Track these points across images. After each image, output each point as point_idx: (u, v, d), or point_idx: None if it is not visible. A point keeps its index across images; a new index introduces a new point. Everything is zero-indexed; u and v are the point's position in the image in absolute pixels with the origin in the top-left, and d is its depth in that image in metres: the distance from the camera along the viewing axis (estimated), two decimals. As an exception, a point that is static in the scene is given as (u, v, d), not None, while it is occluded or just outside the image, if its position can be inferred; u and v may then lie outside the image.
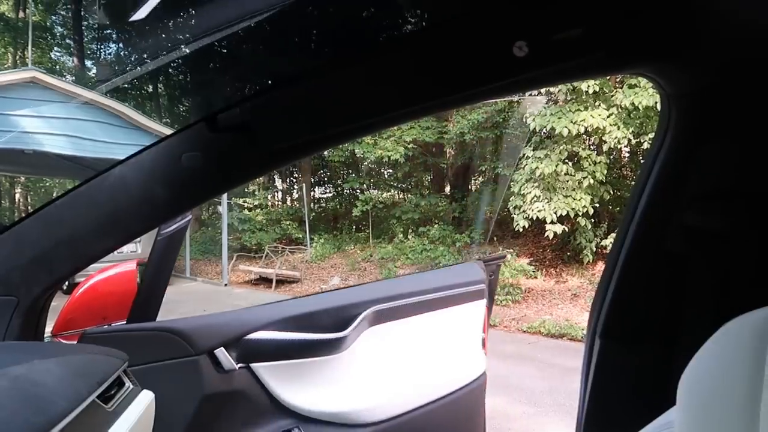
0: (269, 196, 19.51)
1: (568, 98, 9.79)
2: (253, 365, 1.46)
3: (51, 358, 0.90)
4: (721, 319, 0.58)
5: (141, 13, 1.04)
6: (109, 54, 23.21)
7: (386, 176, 16.90)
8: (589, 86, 9.13)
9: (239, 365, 1.43)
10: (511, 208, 10.56)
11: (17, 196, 24.21)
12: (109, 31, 23.36)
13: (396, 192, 16.74)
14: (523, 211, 10.06)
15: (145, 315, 1.48)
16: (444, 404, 1.76)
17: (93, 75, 21.05)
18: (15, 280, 1.08)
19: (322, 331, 1.51)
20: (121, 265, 1.49)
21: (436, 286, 1.74)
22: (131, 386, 1.01)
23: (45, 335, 1.25)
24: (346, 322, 1.56)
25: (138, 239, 1.36)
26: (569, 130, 9.22)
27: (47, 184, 21.72)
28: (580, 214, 9.58)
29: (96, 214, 1.09)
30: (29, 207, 23.02)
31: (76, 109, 10.08)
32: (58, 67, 22.63)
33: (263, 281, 13.04)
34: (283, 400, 1.50)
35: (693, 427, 0.55)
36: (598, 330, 1.08)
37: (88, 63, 22.98)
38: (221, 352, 1.39)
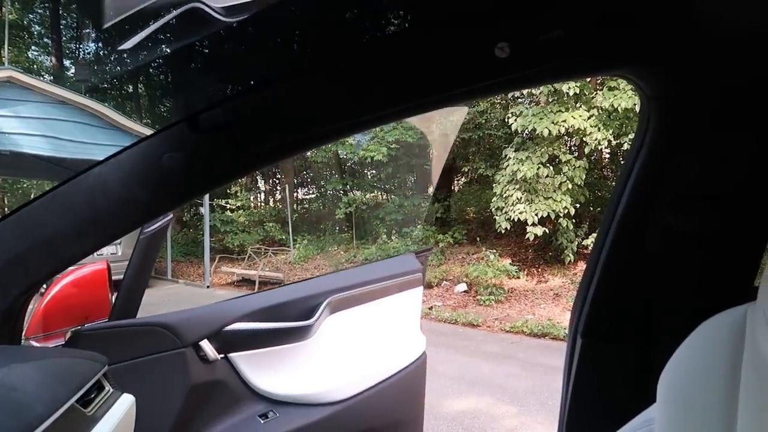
0: (252, 198, 19.40)
1: (550, 100, 9.88)
2: (231, 355, 1.55)
3: (29, 362, 0.89)
4: (700, 317, 0.58)
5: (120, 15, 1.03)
6: (88, 53, 22.95)
7: (369, 177, 16.90)
8: (569, 88, 9.23)
9: (220, 356, 1.52)
10: (493, 209, 10.61)
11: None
12: (87, 30, 23.10)
13: (379, 193, 16.74)
14: (505, 213, 10.13)
15: (126, 313, 1.52)
16: (393, 382, 1.94)
17: (71, 74, 20.76)
18: None
19: (291, 320, 1.64)
20: (89, 265, 1.51)
21: (383, 276, 1.93)
22: (111, 390, 1.00)
23: (64, 330, 1.27)
24: (311, 311, 1.72)
25: (118, 241, 1.36)
26: (550, 131, 9.31)
27: (25, 185, 21.36)
28: (561, 215, 9.67)
29: (74, 216, 1.07)
30: (6, 209, 22.64)
31: (53, 109, 9.92)
32: (35, 66, 22.28)
33: (246, 283, 12.95)
34: (256, 387, 1.61)
35: (673, 423, 0.56)
36: (579, 329, 1.09)
37: (67, 62, 22.67)
38: (206, 344, 1.46)
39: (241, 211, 17.16)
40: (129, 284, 1.51)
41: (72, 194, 1.08)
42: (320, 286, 1.81)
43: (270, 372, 1.65)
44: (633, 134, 1.07)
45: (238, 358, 1.58)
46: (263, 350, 1.62)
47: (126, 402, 1.01)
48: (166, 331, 1.41)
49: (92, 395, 0.93)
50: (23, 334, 1.30)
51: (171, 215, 1.52)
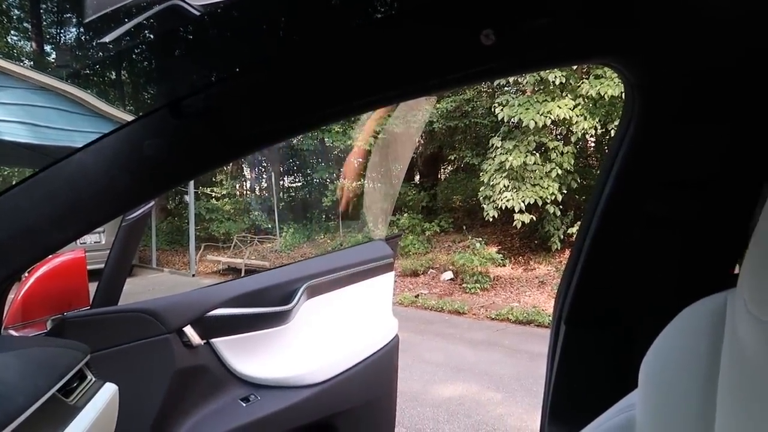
0: (237, 185, 19.28)
1: (536, 89, 9.90)
2: (213, 340, 1.60)
3: (9, 352, 0.87)
4: (681, 304, 0.59)
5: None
6: (69, 38, 22.56)
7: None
8: (556, 77, 9.26)
9: (203, 341, 1.56)
10: (480, 198, 10.64)
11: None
12: (69, 15, 22.71)
13: (366, 181, 16.72)
14: (493, 201, 10.16)
15: (108, 301, 1.53)
16: (368, 364, 2.00)
17: (52, 60, 20.42)
18: None
19: (271, 306, 1.69)
20: (67, 254, 1.50)
21: (356, 261, 1.99)
22: (93, 379, 0.99)
23: (46, 319, 1.26)
24: (290, 296, 1.77)
25: (101, 229, 1.35)
26: (536, 122, 9.34)
27: (5, 173, 21.05)
28: (549, 201, 9.72)
29: (55, 203, 1.06)
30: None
31: (34, 95, 9.75)
32: (15, 51, 21.86)
33: (232, 271, 12.91)
34: (238, 371, 1.65)
35: (653, 408, 0.56)
36: (563, 316, 1.10)
37: (47, 47, 22.29)
38: (189, 329, 1.50)
39: (226, 199, 17.05)
40: (110, 272, 1.52)
41: (52, 181, 1.06)
42: (298, 272, 1.86)
43: (251, 356, 1.69)
44: (618, 121, 1.08)
45: (220, 343, 1.62)
46: (244, 335, 1.66)
47: (108, 391, 1.01)
48: (150, 317, 1.42)
49: (74, 385, 0.92)
50: (2, 324, 1.29)
51: (153, 203, 1.52)
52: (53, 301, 1.42)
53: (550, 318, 1.41)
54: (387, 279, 2.13)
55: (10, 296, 1.18)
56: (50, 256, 1.47)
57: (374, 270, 2.05)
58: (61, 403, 0.86)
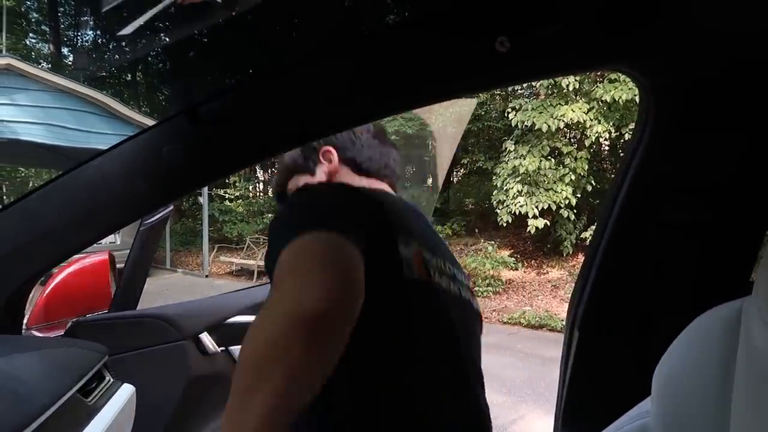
0: (250, 187, 19.37)
1: (550, 92, 9.86)
2: (232, 348, 1.52)
3: (30, 352, 0.89)
4: (696, 311, 0.59)
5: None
6: (87, 41, 22.82)
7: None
8: (569, 82, 9.23)
9: (220, 348, 1.50)
10: (494, 203, 10.61)
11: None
12: (86, 18, 22.97)
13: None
14: (507, 206, 10.13)
15: (127, 304, 1.52)
16: None
17: (70, 62, 20.67)
18: None
19: None
20: (92, 256, 1.50)
21: None
22: (111, 380, 1.00)
23: (67, 320, 1.27)
24: None
25: (118, 231, 1.36)
26: (549, 125, 9.31)
27: (23, 173, 21.33)
28: (563, 206, 9.67)
29: (74, 207, 1.08)
30: (5, 197, 22.63)
31: (52, 98, 9.88)
32: (33, 54, 22.16)
33: (245, 272, 12.97)
34: None
35: (667, 416, 0.56)
36: (577, 321, 1.09)
37: (65, 50, 22.57)
38: (205, 336, 1.45)
39: (239, 201, 17.14)
40: (129, 276, 1.51)
41: (72, 186, 1.08)
42: None
43: None
44: (633, 125, 1.07)
45: (239, 351, 1.57)
46: None
47: (126, 392, 1.02)
48: (165, 323, 1.40)
49: (93, 385, 0.94)
50: (25, 323, 1.31)
51: (171, 207, 1.50)
52: (76, 303, 1.42)
53: (563, 322, 1.41)
54: None
55: (32, 295, 1.20)
56: (75, 258, 1.49)
57: None
58: (81, 403, 0.88)
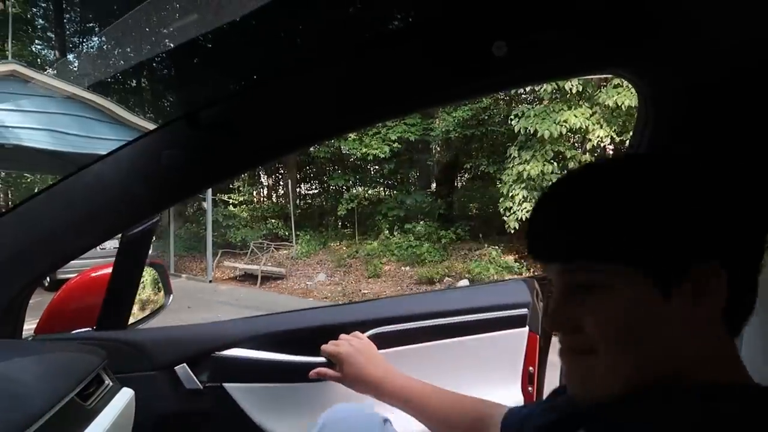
0: (254, 192, 19.42)
1: (553, 97, 9.88)
2: (227, 385, 1.29)
3: (29, 356, 0.90)
4: None
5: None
6: (92, 48, 22.94)
7: (372, 173, 16.89)
8: (573, 86, 9.25)
9: (207, 384, 1.28)
10: (501, 210, 10.62)
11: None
12: (91, 24, 23.11)
13: (381, 189, 16.74)
14: (514, 213, 10.14)
15: (114, 321, 1.36)
16: None
17: (75, 68, 20.77)
18: None
19: (313, 353, 1.26)
20: (100, 268, 1.40)
21: (457, 308, 1.44)
22: (111, 383, 1.01)
23: (28, 334, 1.23)
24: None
25: (120, 236, 1.21)
26: (551, 132, 9.34)
27: (28, 179, 21.42)
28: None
29: (74, 212, 1.08)
30: (10, 202, 22.74)
31: (57, 103, 9.94)
32: (39, 60, 22.30)
33: (248, 278, 12.98)
34: (264, 426, 1.31)
35: None
36: None
37: (70, 56, 22.70)
38: (182, 369, 1.26)
39: (243, 206, 17.18)
40: (115, 291, 1.34)
41: (71, 191, 1.09)
42: (363, 313, 1.41)
43: (281, 410, 1.33)
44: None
45: (236, 389, 1.30)
46: (271, 385, 1.31)
47: (125, 396, 1.02)
48: (131, 349, 1.24)
49: (92, 389, 0.94)
50: (33, 330, 1.30)
51: (157, 217, 1.34)
52: (79, 315, 1.30)
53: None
54: (516, 337, 1.48)
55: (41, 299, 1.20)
56: (84, 270, 1.44)
57: (487, 322, 1.45)
58: (79, 407, 0.88)
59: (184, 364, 1.26)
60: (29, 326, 1.22)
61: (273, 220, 16.60)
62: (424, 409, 1.03)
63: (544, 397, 1.22)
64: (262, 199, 20.24)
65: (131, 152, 1.07)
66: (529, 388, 1.49)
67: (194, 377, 1.26)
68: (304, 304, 10.22)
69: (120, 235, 1.25)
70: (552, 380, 1.43)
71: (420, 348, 1.39)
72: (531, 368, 1.49)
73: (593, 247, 0.56)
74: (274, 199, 20.10)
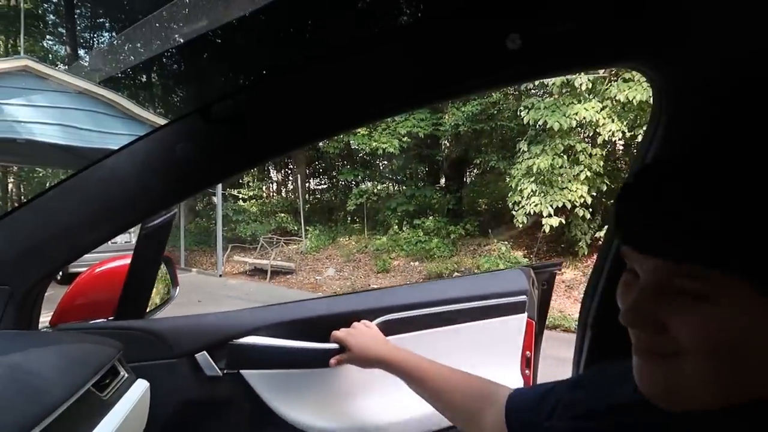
0: (264, 187, 19.49)
1: (563, 91, 9.82)
2: (244, 372, 1.33)
3: (46, 347, 0.91)
4: None
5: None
6: (102, 43, 23.07)
7: (381, 168, 16.90)
8: (581, 82, 9.19)
9: (226, 371, 1.31)
10: (510, 204, 10.58)
11: (10, 186, 24.12)
12: (102, 20, 23.23)
13: (391, 184, 16.75)
14: (522, 207, 10.10)
15: (133, 312, 1.39)
16: None
17: (86, 64, 20.90)
18: (8, 270, 1.08)
19: (325, 340, 1.32)
20: (126, 257, 1.42)
21: (459, 296, 1.49)
22: (126, 375, 1.02)
23: (43, 326, 1.24)
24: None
25: (132, 230, 1.23)
26: (561, 124, 9.27)
27: (41, 174, 21.63)
28: (578, 204, 9.61)
29: (89, 205, 1.09)
30: (23, 197, 22.97)
31: (69, 98, 10.01)
32: (50, 55, 22.47)
33: (258, 272, 13.05)
34: (280, 412, 1.34)
35: None
36: (589, 320, 1.09)
37: (81, 52, 22.85)
38: (203, 356, 1.29)
39: (253, 201, 17.25)
40: (132, 282, 1.36)
41: (86, 184, 1.09)
42: (372, 301, 1.46)
43: (297, 396, 1.37)
44: (646, 126, 1.05)
45: (254, 376, 1.34)
46: (287, 371, 1.35)
47: (141, 387, 1.03)
48: (153, 338, 1.26)
49: (107, 380, 0.95)
50: (49, 321, 1.31)
51: (175, 210, 1.36)
52: (93, 308, 1.32)
53: (576, 323, 1.38)
54: (515, 323, 1.55)
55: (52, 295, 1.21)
56: (100, 261, 1.46)
57: (488, 309, 1.51)
58: (96, 398, 0.89)
59: (204, 352, 1.29)
60: (44, 318, 1.23)
61: (282, 215, 16.65)
62: (429, 384, 1.07)
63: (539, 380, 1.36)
64: (271, 194, 20.32)
65: (146, 146, 1.07)
66: (526, 371, 1.58)
67: (214, 364, 1.29)
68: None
69: (140, 227, 1.28)
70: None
71: (426, 334, 1.45)
72: (528, 352, 1.58)
73: (714, 255, 0.50)
74: (283, 194, 20.18)
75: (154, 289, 1.54)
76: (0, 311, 1.07)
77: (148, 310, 1.47)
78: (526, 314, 1.56)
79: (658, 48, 0.86)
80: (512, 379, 1.54)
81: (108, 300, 1.34)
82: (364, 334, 1.27)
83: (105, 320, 1.34)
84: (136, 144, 1.07)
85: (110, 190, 1.08)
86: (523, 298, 1.54)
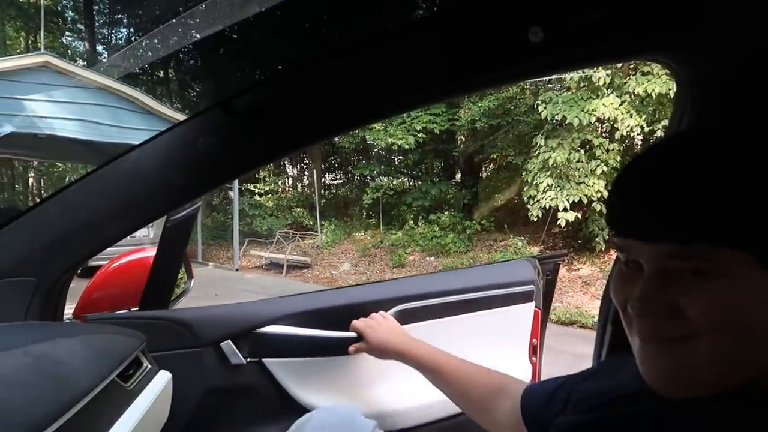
0: (280, 182, 19.58)
1: (581, 85, 9.73)
2: (266, 360, 1.36)
3: (72, 338, 0.92)
4: None
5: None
6: (121, 39, 23.29)
7: (396, 163, 16.89)
8: (599, 78, 9.10)
9: (249, 359, 1.34)
10: (525, 198, 10.52)
11: (31, 180, 24.49)
12: (120, 16, 23.45)
13: (406, 179, 16.74)
14: (537, 201, 10.04)
15: (157, 302, 1.43)
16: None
17: (104, 59, 21.13)
18: (34, 262, 1.10)
19: (343, 329, 1.36)
20: (148, 249, 1.45)
21: (471, 286, 1.53)
22: (149, 366, 1.03)
23: (65, 317, 1.26)
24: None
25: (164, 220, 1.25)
26: (579, 120, 9.19)
27: (60, 168, 21.92)
28: (594, 199, 9.53)
29: (112, 198, 1.10)
30: (43, 191, 23.33)
31: (88, 94, 10.14)
32: (69, 51, 22.74)
33: (274, 266, 13.12)
34: (300, 398, 1.38)
35: None
36: (609, 316, 1.08)
37: (100, 48, 23.09)
38: (228, 345, 1.32)
39: (269, 196, 17.34)
40: (159, 273, 1.40)
41: (109, 177, 1.11)
42: (387, 291, 1.50)
43: (318, 383, 1.40)
44: (666, 121, 1.04)
45: (275, 364, 1.37)
46: (307, 359, 1.39)
47: (163, 378, 1.05)
48: (180, 327, 1.28)
49: (131, 371, 0.96)
50: (71, 312, 1.34)
51: (199, 203, 1.39)
52: (115, 299, 1.38)
53: (594, 319, 1.38)
54: (523, 312, 1.59)
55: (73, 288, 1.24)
56: (123, 253, 1.49)
57: (499, 298, 1.55)
58: (120, 388, 0.90)
59: (229, 341, 1.31)
60: (67, 310, 1.25)
61: (298, 210, 16.73)
62: (447, 378, 1.10)
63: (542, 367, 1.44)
64: (287, 188, 20.41)
65: (168, 140, 1.09)
66: (533, 358, 1.63)
67: (238, 353, 1.32)
68: (330, 293, 10.32)
69: (165, 219, 1.31)
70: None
71: (439, 323, 1.50)
72: (534, 340, 1.63)
73: (720, 231, 0.50)
74: (299, 189, 20.25)
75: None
76: (26, 303, 1.09)
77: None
78: (533, 303, 1.60)
79: (681, 40, 0.85)
80: (521, 365, 1.60)
81: (129, 292, 1.37)
82: (381, 325, 1.30)
83: (130, 311, 1.38)
84: (158, 138, 1.08)
85: (133, 184, 1.10)
86: (530, 287, 1.58)
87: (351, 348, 1.30)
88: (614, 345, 1.08)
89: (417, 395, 1.41)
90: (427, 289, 1.51)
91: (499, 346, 1.56)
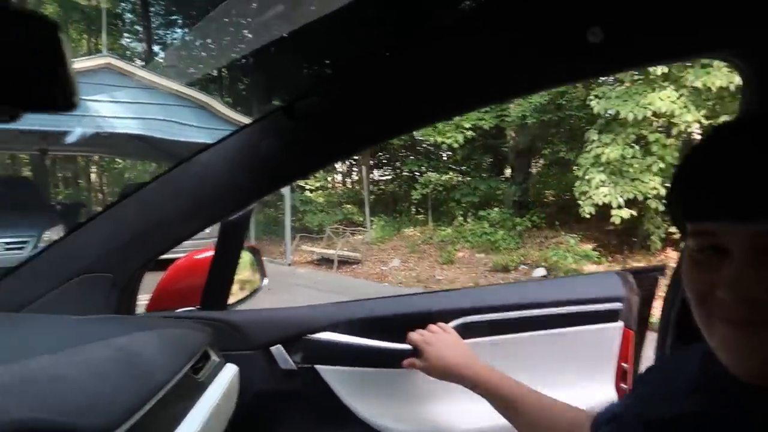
0: (329, 178, 19.77)
1: (635, 79, 9.42)
2: (318, 367, 1.33)
3: (147, 331, 0.97)
4: None
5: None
6: (176, 39, 23.96)
7: (445, 158, 16.80)
8: (656, 68, 8.77)
9: (300, 365, 1.32)
10: (576, 194, 10.29)
11: (93, 175, 25.60)
12: (175, 17, 24.12)
13: (455, 175, 16.63)
14: (590, 197, 9.79)
15: (215, 302, 1.44)
16: None
17: (162, 60, 21.80)
18: (112, 259, 1.17)
19: (399, 339, 1.28)
20: (207, 250, 1.46)
21: (545, 300, 1.41)
22: (217, 359, 1.08)
23: (140, 311, 1.33)
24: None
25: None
26: (634, 114, 8.90)
27: (120, 165, 22.80)
28: (650, 196, 9.23)
29: (183, 198, 1.16)
30: (104, 186, 24.34)
31: (148, 94, 10.52)
32: (128, 52, 23.59)
33: (325, 262, 13.26)
34: (355, 409, 1.33)
35: None
36: (671, 317, 1.06)
37: (156, 48, 23.85)
38: (278, 350, 1.31)
39: (319, 192, 17.54)
40: (215, 273, 1.41)
41: (180, 178, 1.17)
42: (451, 302, 1.41)
43: (373, 395, 1.34)
44: (725, 116, 1.01)
45: (328, 371, 1.33)
46: (362, 369, 1.34)
47: (231, 371, 1.09)
48: (231, 330, 1.29)
49: (201, 364, 1.01)
50: (145, 307, 1.41)
51: (255, 204, 1.38)
52: (185, 294, 1.42)
53: (650, 320, 1.32)
54: (608, 332, 1.42)
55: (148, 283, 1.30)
56: (192, 251, 1.53)
57: (578, 315, 1.40)
58: (192, 380, 0.95)
59: (279, 345, 1.31)
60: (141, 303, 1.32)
61: (348, 206, 16.87)
62: (523, 414, 0.99)
63: None
64: (336, 185, 20.59)
65: (234, 142, 1.13)
66: (623, 385, 1.43)
67: (289, 358, 1.31)
68: (380, 288, 10.36)
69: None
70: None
71: (507, 339, 1.37)
72: (625, 364, 1.43)
73: None
74: (348, 185, 20.39)
75: (243, 279, 1.60)
76: (104, 297, 1.16)
77: (236, 300, 1.52)
78: (621, 323, 1.42)
79: (747, 36, 0.83)
80: (604, 392, 1.42)
81: (197, 288, 1.41)
82: (440, 341, 1.18)
83: (188, 309, 1.40)
84: (226, 141, 1.13)
85: (203, 185, 1.15)
86: (618, 305, 1.41)
87: (405, 362, 1.21)
88: (677, 346, 1.07)
89: (481, 418, 1.23)
90: (494, 302, 1.39)
91: (576, 370, 1.41)
